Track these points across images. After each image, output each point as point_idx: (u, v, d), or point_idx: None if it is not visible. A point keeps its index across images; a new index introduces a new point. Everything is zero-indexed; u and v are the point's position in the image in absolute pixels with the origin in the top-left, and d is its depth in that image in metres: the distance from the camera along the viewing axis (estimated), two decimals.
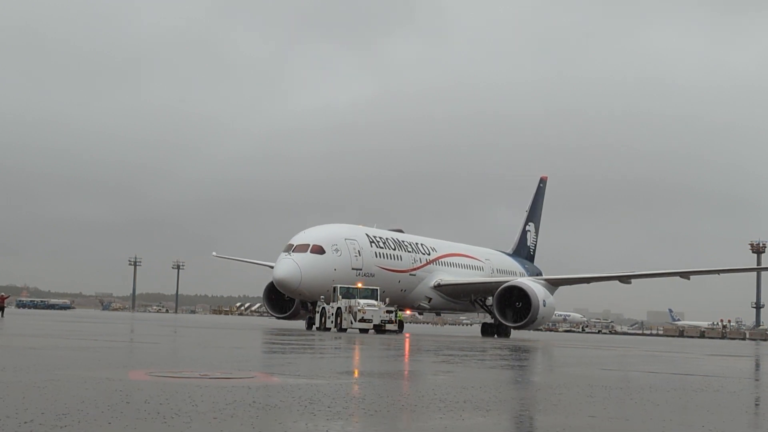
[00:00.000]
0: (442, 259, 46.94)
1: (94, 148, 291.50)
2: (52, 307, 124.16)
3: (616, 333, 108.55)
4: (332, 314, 34.79)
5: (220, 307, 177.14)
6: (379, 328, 33.93)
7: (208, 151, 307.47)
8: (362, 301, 34.20)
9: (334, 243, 38.24)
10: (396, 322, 35.60)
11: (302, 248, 37.47)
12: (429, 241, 47.69)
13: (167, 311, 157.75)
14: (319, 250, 37.40)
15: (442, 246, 48.47)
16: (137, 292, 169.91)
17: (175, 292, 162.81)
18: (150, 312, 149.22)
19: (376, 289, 36.36)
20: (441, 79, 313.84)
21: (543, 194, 63.42)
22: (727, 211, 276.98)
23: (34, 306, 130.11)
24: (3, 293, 51.57)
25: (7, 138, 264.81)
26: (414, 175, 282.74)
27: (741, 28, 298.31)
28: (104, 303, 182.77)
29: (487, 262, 51.10)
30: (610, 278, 51.72)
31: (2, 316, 43.22)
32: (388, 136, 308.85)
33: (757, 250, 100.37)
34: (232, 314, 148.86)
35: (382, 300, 36.01)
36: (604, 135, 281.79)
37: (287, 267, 36.71)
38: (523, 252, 59.99)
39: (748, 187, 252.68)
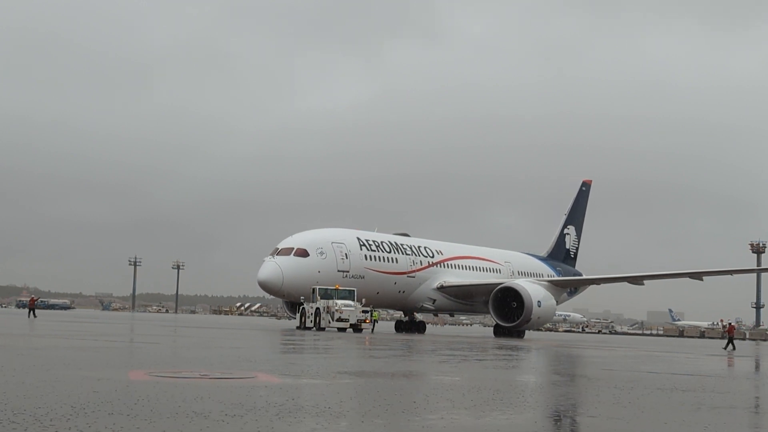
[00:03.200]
0: (450, 262, 47.07)
1: (96, 148, 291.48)
2: (52, 307, 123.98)
3: (616, 333, 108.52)
4: (311, 314, 36.05)
5: (220, 307, 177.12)
6: (356, 327, 35.20)
7: (210, 152, 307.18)
8: (339, 302, 35.39)
9: (320, 246, 39.17)
10: (371, 321, 37.21)
11: (286, 251, 38.57)
12: (435, 244, 47.93)
13: (167, 311, 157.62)
14: (302, 253, 38.39)
15: (450, 249, 48.61)
16: (137, 292, 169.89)
17: (175, 292, 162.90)
18: (150, 312, 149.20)
19: (354, 290, 37.37)
20: (441, 82, 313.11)
21: (586, 198, 62.90)
22: (726, 212, 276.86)
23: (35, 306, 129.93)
24: (33, 296, 54.77)
25: (11, 139, 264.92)
26: (417, 177, 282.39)
27: (741, 31, 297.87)
28: (104, 303, 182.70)
29: (506, 265, 51.01)
30: (620, 279, 51.75)
31: (35, 316, 45.28)
32: (390, 138, 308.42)
33: (757, 250, 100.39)
34: (232, 314, 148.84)
35: (359, 300, 37.15)
36: (604, 137, 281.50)
37: (270, 270, 37.82)
38: (560, 255, 59.69)
39: (747, 187, 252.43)
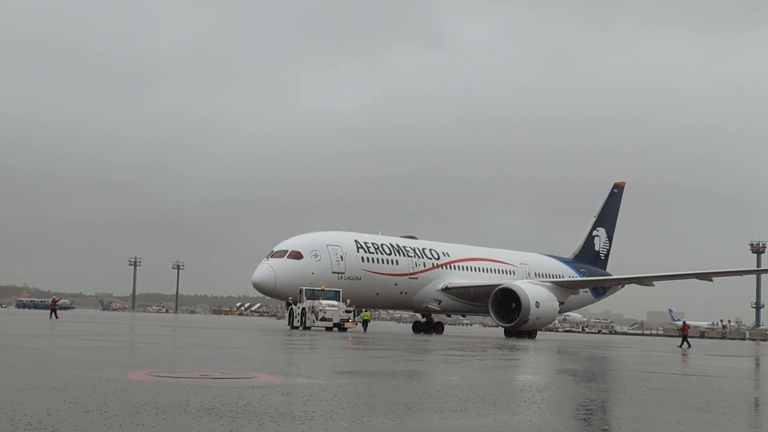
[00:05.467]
0: (458, 263, 47.52)
1: (98, 149, 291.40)
2: None
3: (616, 333, 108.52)
4: (298, 314, 37.53)
5: (220, 307, 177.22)
6: (340, 327, 36.41)
7: (211, 152, 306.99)
8: (324, 302, 36.68)
9: (314, 249, 40.24)
10: (354, 321, 38.43)
11: (280, 254, 39.80)
12: (442, 246, 48.46)
13: (167, 311, 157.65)
14: (296, 255, 39.53)
15: (459, 251, 49.04)
16: (137, 293, 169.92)
17: (175, 292, 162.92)
18: (150, 312, 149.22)
19: (339, 291, 38.41)
20: (443, 85, 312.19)
21: (618, 200, 62.39)
22: (725, 212, 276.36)
23: (34, 306, 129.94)
24: (55, 297, 57.41)
25: (12, 139, 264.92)
26: (422, 178, 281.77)
27: (739, 35, 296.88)
28: (104, 303, 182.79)
29: (522, 267, 51.09)
30: (629, 280, 51.48)
31: (56, 317, 46.46)
32: (391, 139, 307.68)
33: (757, 250, 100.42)
34: (232, 314, 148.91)
35: (344, 300, 38.15)
36: (603, 138, 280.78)
37: (263, 271, 39.17)
38: (589, 256, 59.40)
39: (746, 188, 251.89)
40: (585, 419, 7.14)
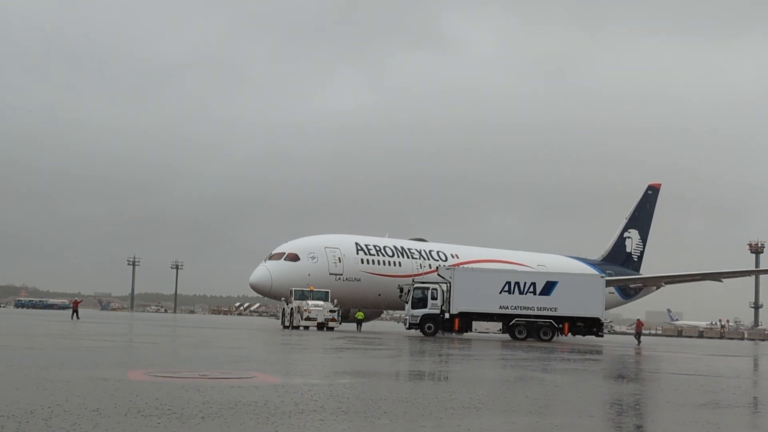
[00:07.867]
0: (466, 265, 47.78)
1: (101, 150, 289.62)
2: (51, 307, 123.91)
3: (615, 333, 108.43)
4: (288, 314, 38.52)
5: (219, 307, 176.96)
6: (327, 326, 37.10)
7: (212, 153, 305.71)
8: (310, 302, 37.55)
9: (311, 251, 41.10)
10: (338, 320, 38.99)
11: (278, 256, 40.85)
12: (452, 248, 48.96)
13: (166, 311, 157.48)
14: (293, 257, 40.50)
15: (469, 252, 49.45)
16: (136, 292, 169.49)
17: (173, 292, 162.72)
18: (149, 312, 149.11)
19: (327, 291, 39.03)
20: (444, 88, 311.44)
21: (653, 201, 62.38)
22: (721, 213, 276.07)
23: (33, 306, 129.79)
24: (77, 298, 58.55)
25: (16, 140, 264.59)
26: (429, 180, 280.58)
27: (739, 41, 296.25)
28: (103, 303, 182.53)
29: (539, 268, 50.99)
30: (638, 281, 51.36)
31: (78, 317, 47.12)
32: (394, 141, 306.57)
33: (756, 250, 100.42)
34: (231, 314, 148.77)
35: (331, 300, 38.72)
36: (603, 143, 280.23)
37: (260, 273, 40.34)
38: (620, 258, 59.56)
39: (743, 189, 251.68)
40: (590, 417, 7.14)
